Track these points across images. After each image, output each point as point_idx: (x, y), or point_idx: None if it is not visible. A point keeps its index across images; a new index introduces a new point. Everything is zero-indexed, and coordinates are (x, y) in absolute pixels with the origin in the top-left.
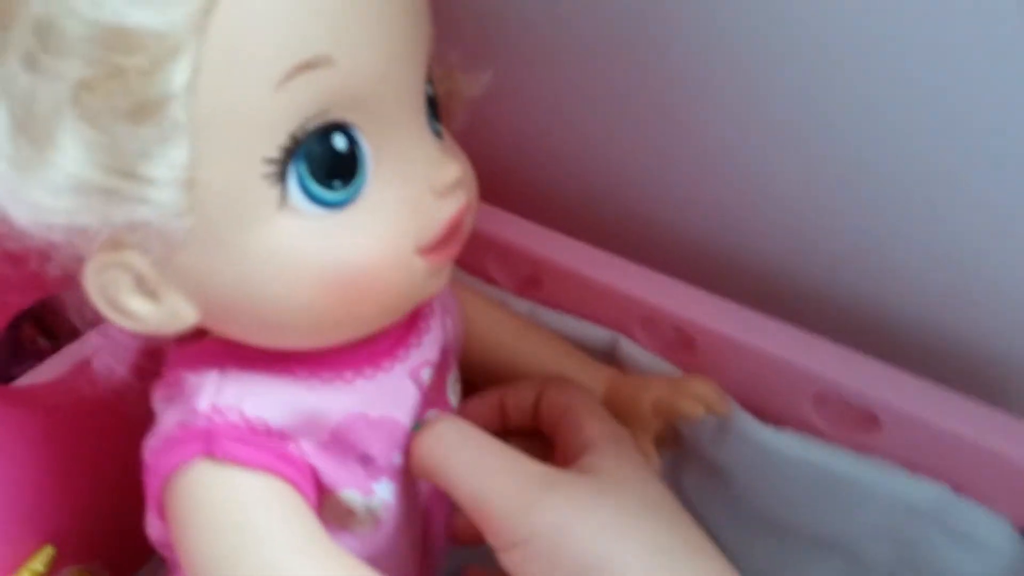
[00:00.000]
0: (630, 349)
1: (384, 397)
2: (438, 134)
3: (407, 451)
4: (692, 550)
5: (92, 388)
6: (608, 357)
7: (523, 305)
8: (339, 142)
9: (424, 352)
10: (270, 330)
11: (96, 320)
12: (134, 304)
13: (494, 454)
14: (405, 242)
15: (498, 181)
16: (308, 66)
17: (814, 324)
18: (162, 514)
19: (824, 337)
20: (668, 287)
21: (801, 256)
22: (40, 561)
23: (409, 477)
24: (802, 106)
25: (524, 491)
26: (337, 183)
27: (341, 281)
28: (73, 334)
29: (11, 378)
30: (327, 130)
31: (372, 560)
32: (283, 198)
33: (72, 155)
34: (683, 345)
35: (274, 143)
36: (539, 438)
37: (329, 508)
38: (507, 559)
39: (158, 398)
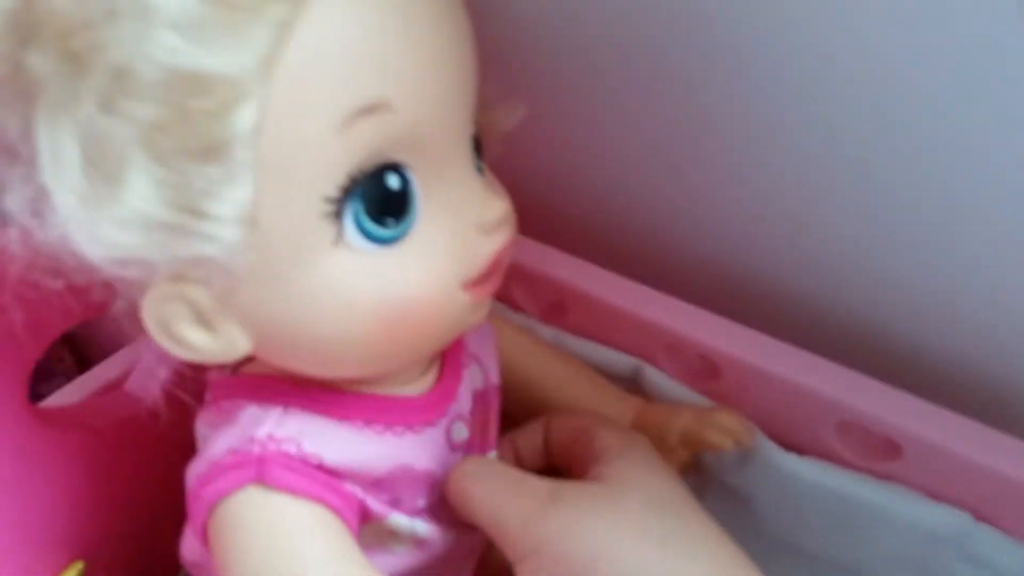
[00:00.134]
0: (654, 376)
1: (427, 452)
2: (480, 170)
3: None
4: (700, 542)
5: (124, 409)
6: (632, 384)
7: (548, 332)
8: (393, 181)
9: (459, 405)
10: (320, 360)
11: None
12: (191, 335)
13: (507, 478)
14: (452, 277)
15: (524, 209)
16: (368, 110)
17: (837, 353)
18: (204, 537)
19: (847, 366)
20: (693, 315)
21: (826, 287)
22: None
23: (431, 515)
24: (830, 141)
25: (532, 506)
26: (390, 220)
27: (392, 315)
28: (100, 353)
29: (39, 396)
30: (382, 170)
31: None
32: (339, 235)
33: (141, 192)
34: (707, 373)
35: (333, 183)
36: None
37: (372, 530)
38: (522, 570)
39: (205, 423)
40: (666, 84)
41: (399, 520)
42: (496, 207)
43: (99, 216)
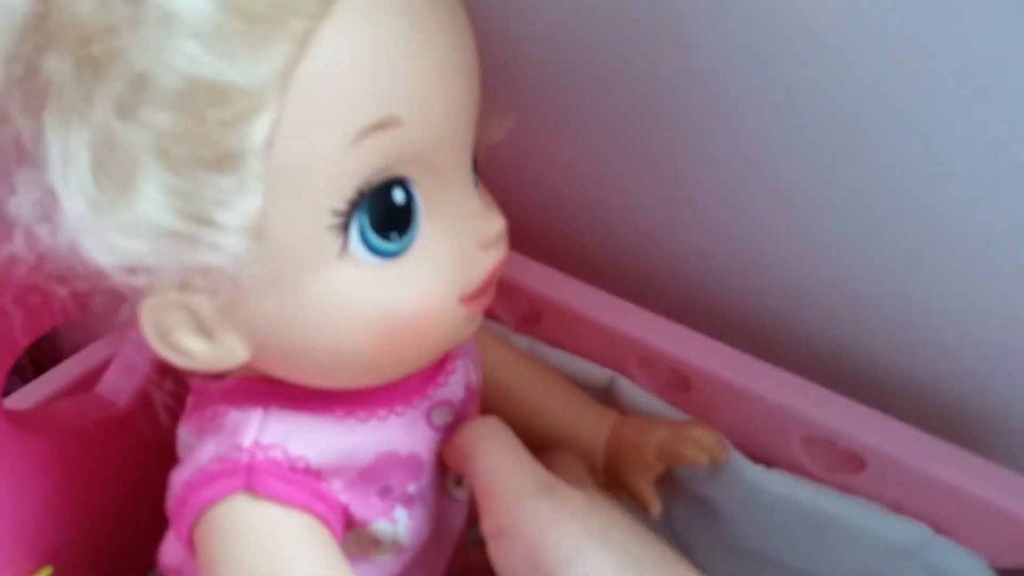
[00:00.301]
0: (628, 389)
1: (412, 434)
2: (476, 185)
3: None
4: (671, 567)
5: (96, 412)
6: (605, 395)
7: (523, 341)
8: (398, 196)
9: (448, 391)
10: (317, 370)
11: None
12: (189, 343)
13: (518, 451)
14: (452, 291)
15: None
16: (379, 126)
17: (805, 369)
18: (189, 543)
19: (814, 382)
20: (666, 329)
21: (796, 306)
22: None
23: (421, 503)
24: (802, 168)
25: (528, 485)
26: (394, 234)
27: (392, 327)
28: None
29: None
30: (389, 184)
31: None
32: (344, 248)
33: (152, 199)
34: (679, 385)
35: (342, 196)
36: None
37: (355, 539)
38: (496, 547)
39: (189, 430)
40: (647, 99)
41: (383, 527)
42: (495, 223)
43: (107, 222)
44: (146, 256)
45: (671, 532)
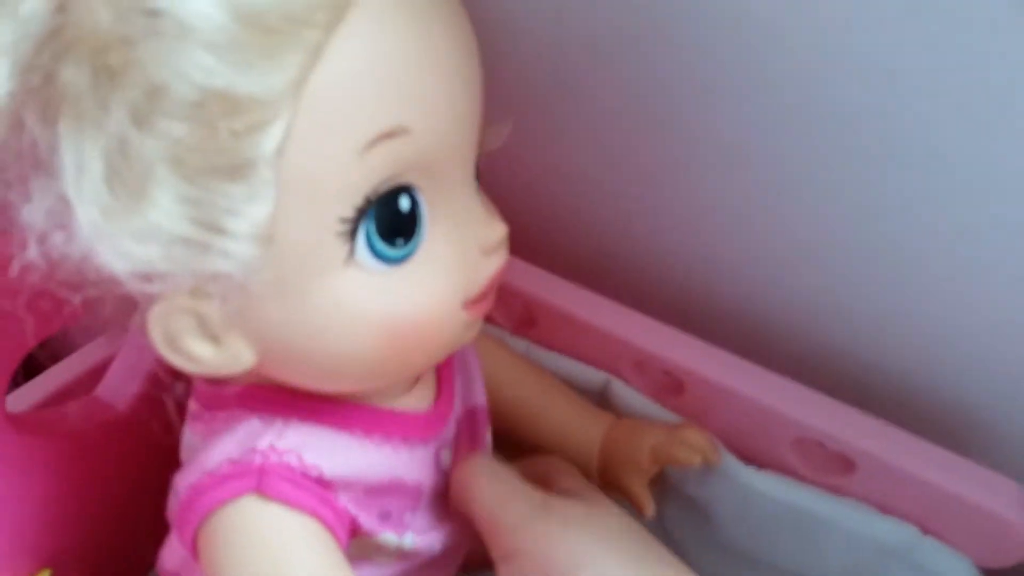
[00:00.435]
0: (622, 391)
1: (419, 468)
2: (477, 191)
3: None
4: (668, 565)
5: (96, 415)
6: (600, 397)
7: (519, 344)
8: (404, 203)
9: (448, 431)
10: (321, 374)
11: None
12: (196, 347)
13: (509, 481)
14: (455, 296)
15: None
16: (388, 135)
17: (796, 372)
18: (192, 545)
19: (805, 385)
20: (660, 332)
21: (787, 309)
22: None
23: (424, 523)
24: (793, 172)
25: (526, 510)
26: (399, 241)
27: (396, 332)
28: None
29: None
30: (395, 192)
31: None
32: (350, 254)
33: (164, 207)
34: (672, 388)
35: (350, 204)
36: None
37: (358, 544)
38: (506, 570)
39: (195, 432)
40: (639, 106)
41: (388, 537)
42: (497, 229)
43: (120, 229)
44: (158, 263)
45: (664, 533)
